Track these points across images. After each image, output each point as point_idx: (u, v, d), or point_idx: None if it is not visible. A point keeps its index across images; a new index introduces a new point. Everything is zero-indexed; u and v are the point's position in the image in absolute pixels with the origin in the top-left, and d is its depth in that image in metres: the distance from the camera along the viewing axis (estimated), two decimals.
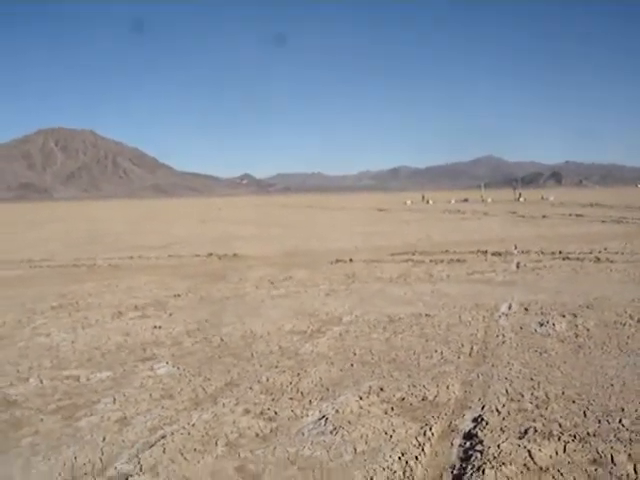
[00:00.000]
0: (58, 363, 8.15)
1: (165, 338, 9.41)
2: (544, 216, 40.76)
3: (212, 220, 52.66)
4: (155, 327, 10.14)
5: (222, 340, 9.15)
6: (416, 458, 4.91)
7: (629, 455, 4.83)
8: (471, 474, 4.62)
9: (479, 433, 5.35)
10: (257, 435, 5.51)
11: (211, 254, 21.45)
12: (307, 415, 5.96)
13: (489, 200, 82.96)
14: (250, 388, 6.86)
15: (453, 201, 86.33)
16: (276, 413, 6.04)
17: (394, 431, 5.48)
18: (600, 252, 18.40)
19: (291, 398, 6.50)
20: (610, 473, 4.58)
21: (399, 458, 4.92)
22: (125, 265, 19.35)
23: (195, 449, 5.23)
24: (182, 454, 5.13)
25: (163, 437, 5.51)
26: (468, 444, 5.19)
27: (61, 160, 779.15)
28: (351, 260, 18.33)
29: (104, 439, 5.52)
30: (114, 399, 6.66)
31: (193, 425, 5.75)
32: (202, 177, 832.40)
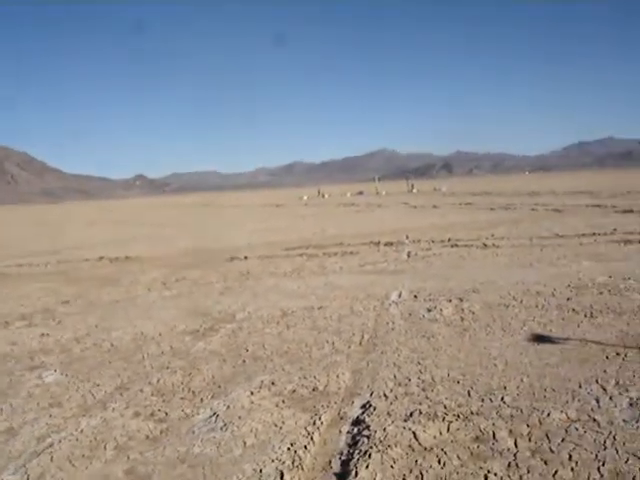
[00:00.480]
0: None
1: (53, 345, 9.14)
2: (435, 206, 41.80)
3: (104, 223, 51.42)
4: (43, 335, 9.83)
5: (112, 345, 8.96)
6: (305, 447, 4.99)
7: (510, 431, 5.06)
8: (358, 459, 4.72)
9: (367, 419, 5.48)
10: (147, 437, 5.45)
11: (102, 257, 20.94)
12: (198, 414, 5.94)
13: (383, 192, 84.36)
14: (141, 390, 6.78)
15: (348, 195, 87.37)
16: (167, 414, 5.99)
17: (284, 423, 5.54)
18: (487, 238, 19.07)
19: (182, 398, 6.46)
20: (492, 449, 4.77)
21: (288, 449, 4.98)
22: (13, 273, 18.66)
23: (83, 455, 5.13)
24: (70, 461, 5.02)
25: (51, 445, 5.38)
26: (356, 430, 5.30)
27: None
28: (246, 257, 18.30)
29: None
30: (1, 410, 6.44)
31: (81, 431, 5.64)
32: (94, 179, 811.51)
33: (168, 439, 5.37)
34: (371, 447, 4.87)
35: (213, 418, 5.77)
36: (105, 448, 5.25)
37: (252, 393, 6.41)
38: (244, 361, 7.67)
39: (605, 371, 6.45)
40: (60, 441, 5.45)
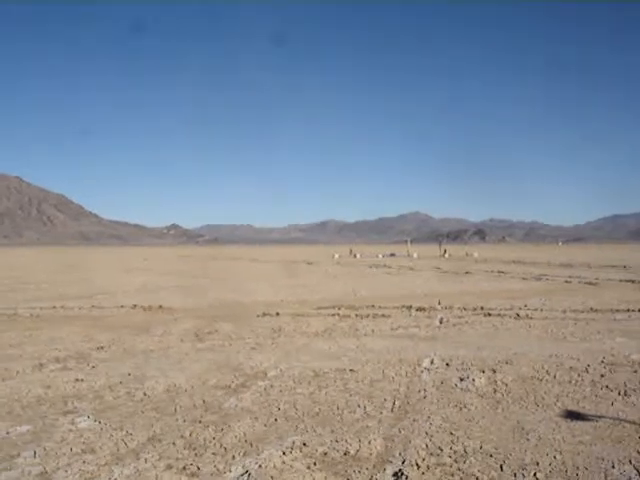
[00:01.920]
0: None
1: (87, 391, 9.25)
2: (467, 272, 41.69)
3: (137, 270, 51.96)
4: (77, 380, 9.95)
5: (145, 394, 9.05)
6: None
7: None
8: None
9: None
10: None
11: (135, 305, 21.17)
12: (230, 470, 5.97)
13: (415, 255, 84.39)
14: (173, 443, 6.82)
15: (380, 255, 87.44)
16: (199, 468, 6.03)
17: None
18: (520, 308, 18.98)
19: (214, 453, 6.50)
20: None
21: None
22: (47, 315, 18.91)
23: None
24: None
25: None
26: None
27: None
28: (278, 314, 18.39)
29: None
30: (34, 453, 6.52)
31: None
32: (129, 226, 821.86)
33: None
34: None
35: (245, 476, 5.80)
36: None
37: (284, 453, 6.43)
38: (276, 420, 7.70)
39: (639, 452, 6.38)
40: None
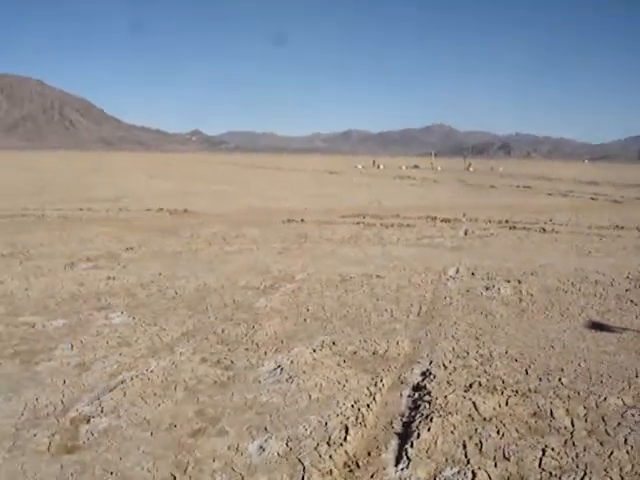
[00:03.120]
0: (13, 310, 8.15)
1: (119, 289, 9.47)
2: (492, 186, 41.51)
3: (161, 175, 52.13)
4: (109, 278, 10.18)
5: (176, 293, 9.26)
6: (368, 406, 5.17)
7: (567, 410, 5.17)
8: (420, 421, 4.89)
9: (427, 385, 5.64)
10: (215, 382, 5.69)
11: (162, 209, 21.36)
12: (263, 365, 6.16)
13: (439, 168, 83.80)
14: (206, 339, 7.03)
15: (404, 167, 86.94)
16: (232, 362, 6.23)
17: (347, 381, 5.73)
18: (546, 223, 18.95)
19: (247, 349, 6.69)
20: (549, 425, 4.89)
21: (352, 406, 5.16)
22: (75, 216, 19.16)
23: (155, 394, 5.39)
24: (142, 398, 5.29)
25: (122, 382, 5.65)
26: (417, 395, 5.47)
27: (5, 108, 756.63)
28: (303, 220, 18.52)
29: (64, 382, 5.63)
30: (71, 345, 6.73)
31: (152, 371, 5.91)
32: (150, 131, 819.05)
33: (235, 386, 5.60)
34: (432, 412, 5.03)
35: (278, 370, 5.99)
36: (175, 389, 5.50)
37: (314, 350, 6.61)
38: (305, 320, 7.88)
39: None
40: (132, 379, 5.72)
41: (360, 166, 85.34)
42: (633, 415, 5.11)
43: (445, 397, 5.33)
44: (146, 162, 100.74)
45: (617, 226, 18.74)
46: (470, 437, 4.66)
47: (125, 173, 56.80)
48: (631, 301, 9.20)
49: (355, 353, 6.60)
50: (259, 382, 5.69)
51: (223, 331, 7.32)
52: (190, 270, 10.90)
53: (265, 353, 6.55)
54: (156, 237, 14.91)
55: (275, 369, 6.03)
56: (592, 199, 30.97)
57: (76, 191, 30.48)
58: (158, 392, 5.43)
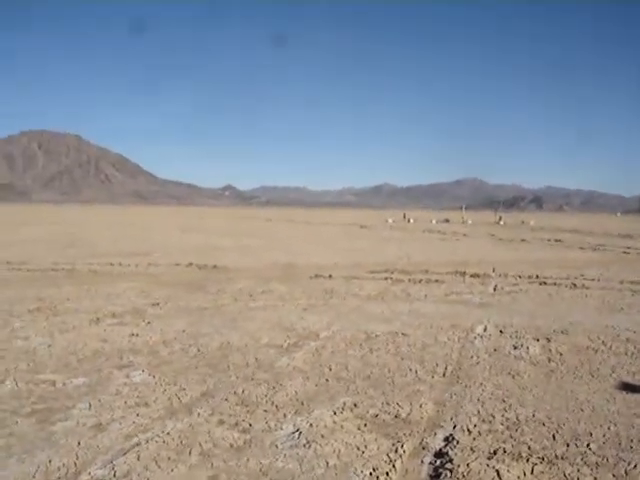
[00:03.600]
0: (34, 367, 8.13)
1: (142, 346, 9.42)
2: (523, 240, 41.14)
3: (193, 230, 52.54)
4: (132, 335, 10.15)
5: (199, 350, 9.18)
6: (387, 474, 4.99)
7: (595, 478, 4.95)
8: None
9: (450, 452, 5.44)
10: (231, 446, 5.56)
11: (191, 264, 21.43)
12: (281, 428, 6.02)
13: (469, 222, 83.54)
14: (226, 399, 6.91)
15: (434, 221, 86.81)
16: (250, 425, 6.09)
17: (366, 447, 5.55)
18: (577, 278, 18.63)
19: (266, 410, 6.55)
20: None
21: (370, 474, 4.99)
22: (104, 271, 19.28)
23: (169, 458, 5.27)
24: (156, 462, 5.17)
25: (137, 444, 5.54)
26: (438, 462, 5.28)
27: (43, 163, 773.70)
28: (330, 276, 18.41)
29: (79, 444, 5.54)
30: (89, 405, 6.66)
31: (168, 434, 5.79)
32: (184, 186, 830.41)
33: (251, 450, 5.46)
34: None
35: (296, 434, 5.84)
36: (190, 453, 5.38)
37: (335, 413, 6.46)
38: (327, 380, 7.73)
39: None
40: (147, 441, 5.61)
41: (391, 220, 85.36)
42: None
43: (467, 465, 5.14)
44: (178, 216, 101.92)
45: None
46: None
47: (157, 227, 57.39)
48: None
49: (377, 416, 6.43)
50: (276, 447, 5.54)
51: (243, 391, 7.20)
52: (214, 327, 10.83)
53: (284, 415, 6.41)
54: (183, 293, 14.91)
55: (293, 433, 5.88)
56: (624, 253, 30.49)
57: (107, 245, 30.77)
58: (172, 456, 5.31)
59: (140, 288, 15.51)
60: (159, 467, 5.09)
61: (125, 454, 5.34)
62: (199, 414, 6.38)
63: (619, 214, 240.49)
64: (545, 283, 17.50)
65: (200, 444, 5.58)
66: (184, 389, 7.26)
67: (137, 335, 10.14)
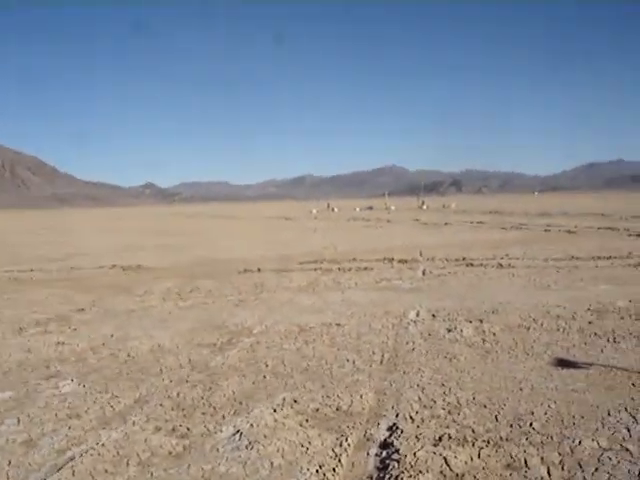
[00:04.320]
0: None
1: (69, 354, 9.04)
2: (446, 223, 41.79)
3: (114, 231, 51.43)
4: (58, 343, 9.74)
5: (129, 355, 8.87)
6: (333, 470, 4.87)
7: (542, 458, 4.94)
8: None
9: (395, 442, 5.36)
10: (170, 453, 5.34)
11: (115, 266, 20.89)
12: (221, 431, 5.82)
13: (393, 208, 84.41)
14: (160, 404, 6.66)
15: (358, 209, 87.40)
16: (189, 429, 5.88)
17: (310, 443, 5.42)
18: (502, 258, 18.99)
19: (203, 413, 6.34)
20: (525, 477, 4.66)
21: (317, 471, 4.86)
22: (25, 278, 18.59)
23: (106, 470, 5.01)
24: (92, 476, 4.91)
25: (72, 459, 5.26)
26: (384, 453, 5.19)
27: None
28: (259, 270, 18.23)
29: (9, 463, 5.23)
30: (18, 420, 6.32)
31: (103, 445, 5.52)
32: (104, 186, 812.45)
33: (192, 456, 5.25)
34: (402, 472, 4.76)
35: (237, 436, 5.65)
36: (128, 464, 5.13)
37: (275, 411, 6.30)
38: (264, 377, 7.56)
39: (633, 399, 6.34)
40: (81, 455, 5.34)
41: (315, 211, 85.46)
42: (610, 459, 4.91)
43: (414, 454, 5.06)
44: (99, 218, 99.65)
45: (573, 257, 18.88)
46: None
47: (77, 230, 55.94)
48: (595, 334, 9.09)
49: (318, 410, 6.30)
50: (217, 450, 5.35)
51: (178, 395, 6.96)
52: (143, 330, 10.51)
53: (223, 417, 6.21)
54: (108, 296, 14.46)
55: (234, 434, 5.69)
56: (545, 231, 31.30)
57: (27, 251, 29.76)
58: (109, 469, 5.06)
59: (63, 294, 14.99)
60: None
61: (59, 470, 5.06)
62: (134, 422, 6.12)
63: (536, 193, 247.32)
64: (472, 265, 17.73)
65: (137, 454, 5.33)
66: (116, 397, 6.97)
67: (63, 343, 9.74)
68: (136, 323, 11.14)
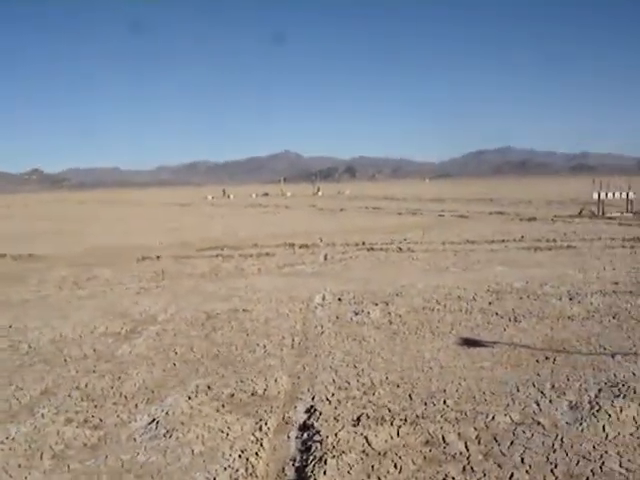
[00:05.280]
0: None
1: None
2: (342, 209, 42.18)
3: (0, 218, 49.22)
4: None
5: (30, 346, 8.52)
6: (256, 454, 4.86)
7: (458, 434, 5.09)
8: (313, 465, 4.63)
9: (314, 424, 5.40)
10: (85, 445, 5.17)
11: (4, 255, 19.96)
12: (135, 420, 5.69)
13: (288, 194, 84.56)
14: (69, 395, 6.44)
15: (254, 195, 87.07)
16: (101, 420, 5.71)
17: (229, 428, 5.38)
18: (401, 242, 19.38)
19: (115, 403, 6.18)
20: (444, 452, 4.79)
21: (239, 456, 4.83)
22: None
23: (20, 465, 4.82)
24: (6, 471, 4.71)
25: None
26: (305, 435, 5.22)
27: None
28: (158, 257, 17.87)
29: None
30: None
31: (13, 439, 5.29)
32: None
33: (108, 447, 5.11)
34: (325, 453, 4.79)
35: (153, 425, 5.54)
36: (42, 458, 4.94)
37: (189, 398, 6.21)
38: (174, 364, 7.45)
39: (539, 374, 6.62)
40: None
41: (210, 197, 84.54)
42: (524, 432, 5.11)
43: (335, 435, 5.11)
44: None
45: (468, 240, 19.46)
46: (368, 475, 4.47)
47: None
48: (496, 314, 9.42)
49: (233, 396, 6.26)
50: (134, 440, 5.23)
51: (86, 385, 6.76)
52: (42, 320, 10.11)
53: (136, 406, 6.07)
54: (0, 286, 13.84)
55: (150, 423, 5.57)
56: (440, 216, 32.13)
57: None
58: (23, 463, 4.86)
59: None
60: (11, 477, 4.64)
61: None
62: (43, 415, 5.90)
63: (427, 180, 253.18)
64: (372, 249, 18.00)
65: (51, 446, 5.15)
66: (21, 389, 6.70)
67: None
68: (34, 313, 10.72)
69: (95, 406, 6.11)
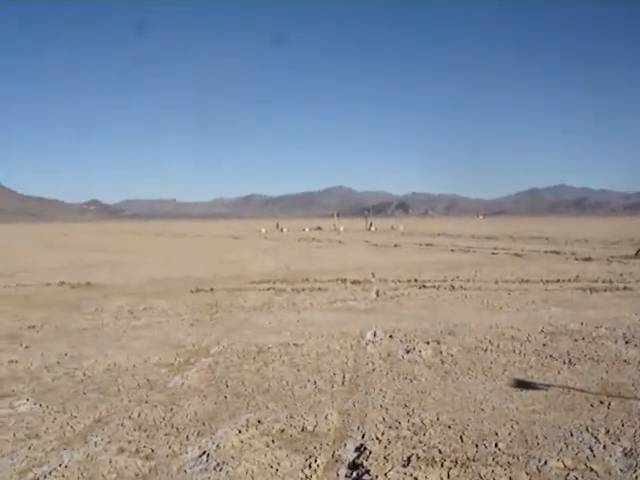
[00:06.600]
0: None
1: (23, 373, 8.82)
2: (396, 245, 42.09)
3: (59, 247, 50.41)
4: (11, 362, 9.49)
5: (85, 374, 8.68)
6: None
7: (510, 478, 5.00)
8: None
9: (364, 462, 5.36)
10: (137, 475, 5.23)
11: (63, 283, 20.48)
12: (186, 452, 5.74)
13: (342, 229, 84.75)
14: (121, 425, 6.53)
15: (307, 229, 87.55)
16: (153, 450, 5.77)
17: (279, 464, 5.38)
18: (454, 280, 19.21)
19: (167, 434, 6.24)
20: None
21: None
22: None
23: None
24: None
25: None
26: (355, 474, 5.18)
27: None
28: (212, 289, 18.07)
29: None
30: None
31: (66, 467, 5.38)
32: (46, 202, 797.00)
33: (159, 477, 5.17)
34: None
35: (204, 457, 5.58)
36: None
37: (240, 432, 6.24)
38: (225, 397, 7.49)
39: (593, 419, 6.47)
40: (45, 476, 5.20)
41: (264, 230, 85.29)
42: (577, 478, 5.01)
43: (385, 475, 5.08)
44: (42, 233, 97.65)
45: (522, 280, 19.20)
46: None
47: (20, 246, 54.69)
48: (550, 356, 9.26)
49: (283, 431, 6.27)
50: (185, 472, 5.27)
51: (139, 415, 6.85)
52: (98, 348, 10.31)
53: (187, 438, 6.12)
54: (59, 313, 14.16)
55: (200, 456, 5.61)
56: (493, 254, 31.79)
57: None
58: None
59: (12, 311, 14.61)
60: None
61: None
62: (96, 443, 5.99)
63: (481, 217, 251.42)
64: (425, 286, 17.90)
65: (103, 475, 5.22)
66: (75, 417, 6.82)
67: (16, 362, 9.49)
68: (90, 341, 10.93)
69: (147, 436, 6.18)
